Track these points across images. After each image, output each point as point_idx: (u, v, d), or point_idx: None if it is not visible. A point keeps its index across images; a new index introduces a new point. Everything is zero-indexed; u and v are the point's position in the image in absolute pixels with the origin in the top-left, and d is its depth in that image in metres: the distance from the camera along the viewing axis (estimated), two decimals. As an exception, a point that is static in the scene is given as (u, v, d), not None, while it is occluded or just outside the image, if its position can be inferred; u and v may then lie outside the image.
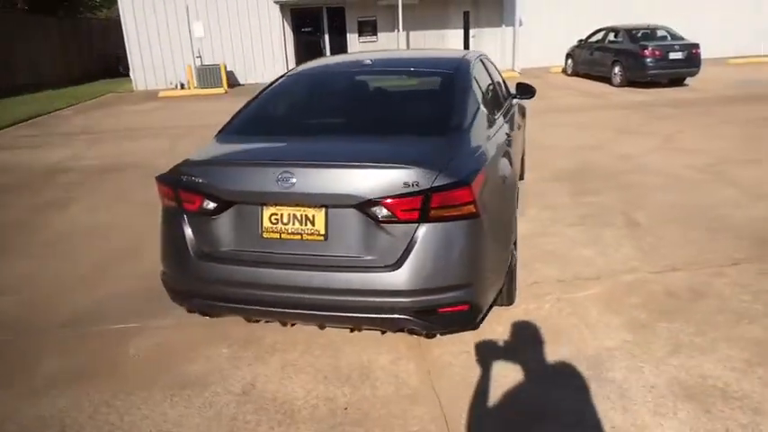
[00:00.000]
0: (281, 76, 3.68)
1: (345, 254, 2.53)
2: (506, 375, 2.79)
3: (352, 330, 3.11)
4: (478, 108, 3.19)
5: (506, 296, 3.21)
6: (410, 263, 2.44)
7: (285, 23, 19.09)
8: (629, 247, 4.28)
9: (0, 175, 7.83)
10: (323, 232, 2.54)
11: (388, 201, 2.41)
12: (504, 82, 4.69)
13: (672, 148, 7.49)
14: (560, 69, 17.51)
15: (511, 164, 3.35)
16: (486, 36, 20.03)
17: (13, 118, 12.88)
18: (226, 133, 3.18)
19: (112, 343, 3.29)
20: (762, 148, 7.29)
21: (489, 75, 4.08)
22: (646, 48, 12.96)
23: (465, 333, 3.09)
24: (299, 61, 19.57)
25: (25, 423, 2.63)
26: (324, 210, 2.53)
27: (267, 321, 3.07)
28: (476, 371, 2.84)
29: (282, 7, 18.50)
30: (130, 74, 19.23)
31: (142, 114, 13.42)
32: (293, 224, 2.57)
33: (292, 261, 2.58)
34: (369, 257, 2.50)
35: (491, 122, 3.35)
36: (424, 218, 2.43)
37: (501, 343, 3.07)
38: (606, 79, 14.39)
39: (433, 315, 2.52)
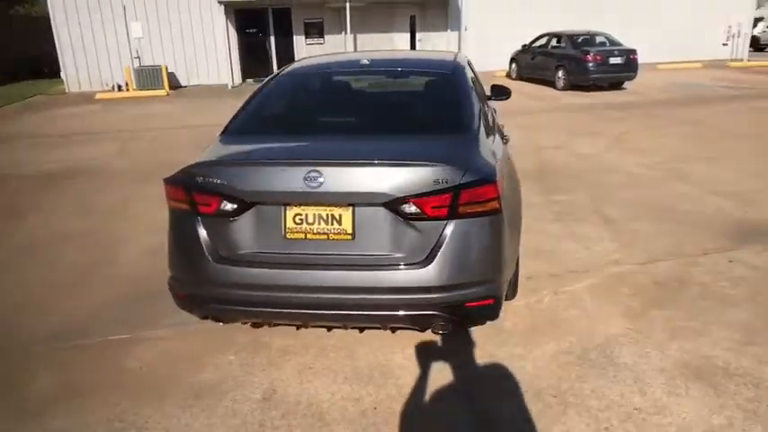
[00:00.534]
0: (277, 75, 3.61)
1: (373, 252, 2.52)
2: (524, 366, 2.86)
3: (361, 331, 3.11)
4: (480, 108, 3.27)
5: (511, 290, 3.30)
6: (440, 259, 2.47)
7: (229, 24, 18.64)
8: (609, 241, 4.49)
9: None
10: (350, 231, 2.52)
11: (419, 198, 2.43)
12: (481, 84, 4.81)
13: (624, 148, 7.90)
14: (505, 74, 18.05)
15: (510, 160, 3.44)
16: (432, 40, 20.36)
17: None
18: (231, 133, 3.09)
19: (109, 355, 3.13)
20: (705, 147, 7.81)
21: (475, 76, 4.17)
22: (588, 53, 13.59)
23: (474, 328, 3.15)
24: (243, 63, 19.19)
25: (32, 444, 2.46)
26: (351, 209, 2.51)
27: (286, 325, 3.00)
28: (493, 363, 2.90)
29: (226, 7, 18.05)
30: (62, 75, 18.19)
31: (82, 117, 12.73)
32: (319, 224, 2.54)
33: (318, 261, 2.55)
34: (397, 255, 2.51)
35: (488, 121, 3.43)
36: (452, 214, 2.46)
37: (513, 335, 3.14)
38: (550, 83, 14.97)
39: (461, 310, 2.56)
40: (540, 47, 15.98)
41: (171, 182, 2.70)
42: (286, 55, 19.64)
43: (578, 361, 2.90)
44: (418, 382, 2.76)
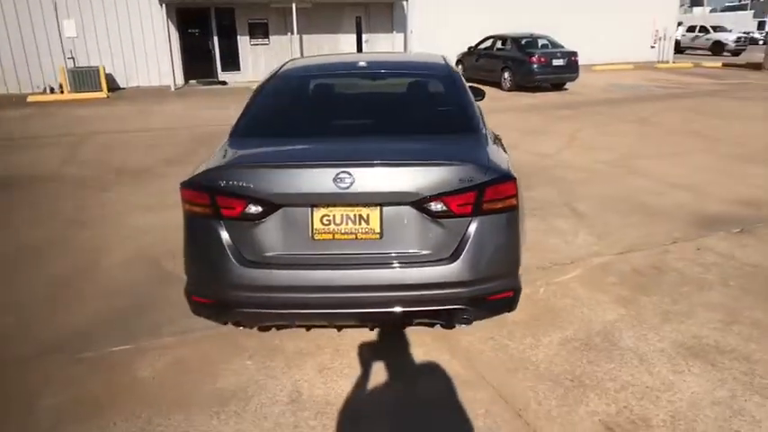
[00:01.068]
0: (275, 75, 3.58)
1: (400, 250, 2.58)
2: (537, 354, 3.01)
3: (372, 329, 3.17)
4: (478, 108, 3.39)
5: None
6: (465, 255, 2.56)
7: (170, 23, 18.05)
8: (586, 234, 4.75)
9: None
10: (378, 230, 2.57)
11: (446, 197, 2.51)
12: None
13: (580, 146, 8.31)
14: (451, 74, 18.46)
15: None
16: (378, 41, 20.52)
17: None
18: (242, 134, 3.05)
19: (116, 367, 3.02)
20: (654, 144, 8.33)
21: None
22: (533, 55, 14.14)
23: (482, 321, 3.26)
24: (186, 64, 18.62)
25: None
26: (379, 208, 2.56)
27: (310, 326, 3.01)
28: (509, 353, 3.02)
29: (167, 6, 17.48)
30: (-14, 76, 17.00)
31: (16, 122, 11.98)
32: (346, 224, 2.58)
33: (346, 261, 2.58)
34: (424, 252, 2.58)
35: (485, 121, 3.56)
36: (476, 211, 2.57)
37: (519, 326, 3.28)
38: (496, 84, 15.45)
39: (484, 303, 2.67)
40: (485, 49, 16.46)
41: (191, 186, 2.65)
42: (230, 56, 19.27)
43: (585, 347, 3.07)
44: (440, 376, 2.85)
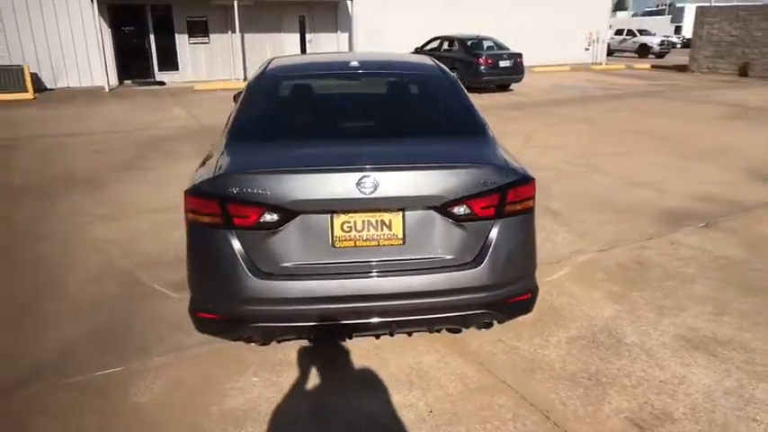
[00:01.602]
0: (263, 76, 3.40)
1: (424, 255, 2.52)
2: (548, 355, 3.02)
3: (377, 337, 3.08)
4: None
5: None
6: (489, 259, 2.53)
7: (102, 20, 17.10)
8: (565, 233, 4.85)
9: None
10: (401, 236, 2.50)
11: (470, 200, 2.47)
12: None
13: (538, 146, 8.52)
14: (397, 75, 18.54)
15: None
16: (322, 41, 20.30)
17: None
18: (242, 138, 2.85)
19: (110, 392, 2.78)
20: (606, 143, 8.67)
21: None
22: (480, 56, 14.41)
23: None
24: (120, 63, 17.70)
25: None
26: (401, 213, 2.48)
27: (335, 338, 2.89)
28: (521, 355, 3.02)
29: (99, 3, 16.54)
30: None
31: (-64, 125, 10.97)
32: (368, 231, 2.48)
33: (368, 269, 2.49)
34: (447, 257, 2.53)
35: None
36: (498, 214, 2.54)
37: (525, 327, 3.29)
38: (444, 84, 15.63)
39: (506, 306, 2.65)
40: (432, 50, 16.61)
41: (198, 194, 2.47)
42: (168, 55, 18.48)
43: (592, 344, 3.11)
44: (459, 382, 2.80)
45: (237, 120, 3.01)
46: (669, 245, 4.54)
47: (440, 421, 2.53)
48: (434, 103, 3.35)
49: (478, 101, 14.50)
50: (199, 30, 18.66)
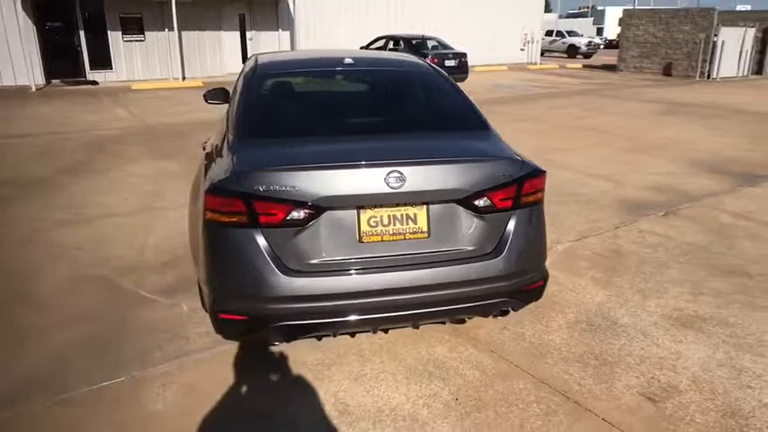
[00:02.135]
0: (255, 73, 3.33)
1: (447, 248, 2.58)
2: (553, 340, 3.16)
3: (386, 331, 3.11)
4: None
5: None
6: (508, 249, 2.63)
7: (26, 17, 16.02)
8: (540, 223, 5.04)
9: None
10: (425, 229, 2.54)
11: (491, 192, 2.55)
12: None
13: (494, 141, 8.76)
14: (341, 74, 18.51)
15: None
16: (263, 39, 19.94)
17: None
18: (252, 136, 2.80)
19: (120, 403, 2.66)
20: (555, 139, 9.05)
21: None
22: (427, 56, 14.63)
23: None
24: (47, 62, 16.64)
25: None
26: (425, 207, 2.53)
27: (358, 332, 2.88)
28: (527, 341, 3.14)
29: (22, -4, 15.48)
30: None
31: None
32: (394, 225, 2.51)
33: (394, 262, 2.52)
34: (469, 248, 2.60)
35: None
36: (515, 205, 2.64)
37: (525, 314, 3.41)
38: (390, 83, 15.77)
39: (523, 293, 2.75)
40: (377, 49, 16.70)
41: (221, 192, 2.41)
42: (101, 53, 17.56)
43: (591, 327, 3.28)
44: (477, 370, 2.88)
45: (243, 116, 2.95)
46: (637, 233, 4.83)
47: (467, 408, 2.59)
48: (435, 99, 3.41)
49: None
50: (133, 27, 17.84)
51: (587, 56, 32.26)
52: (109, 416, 2.56)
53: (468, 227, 2.59)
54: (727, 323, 3.32)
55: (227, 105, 5.29)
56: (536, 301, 2.93)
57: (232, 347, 3.08)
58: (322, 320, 2.50)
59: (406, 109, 3.37)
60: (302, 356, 3.01)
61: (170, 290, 3.81)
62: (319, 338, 2.96)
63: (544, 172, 2.76)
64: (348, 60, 3.54)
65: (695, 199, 5.79)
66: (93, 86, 16.43)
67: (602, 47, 39.50)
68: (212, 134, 4.06)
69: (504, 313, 2.85)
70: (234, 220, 2.42)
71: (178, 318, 3.44)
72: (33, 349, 3.09)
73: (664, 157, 7.68)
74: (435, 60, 14.64)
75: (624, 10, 22.88)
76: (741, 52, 20.47)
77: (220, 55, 19.40)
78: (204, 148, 3.49)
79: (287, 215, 2.39)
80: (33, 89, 15.20)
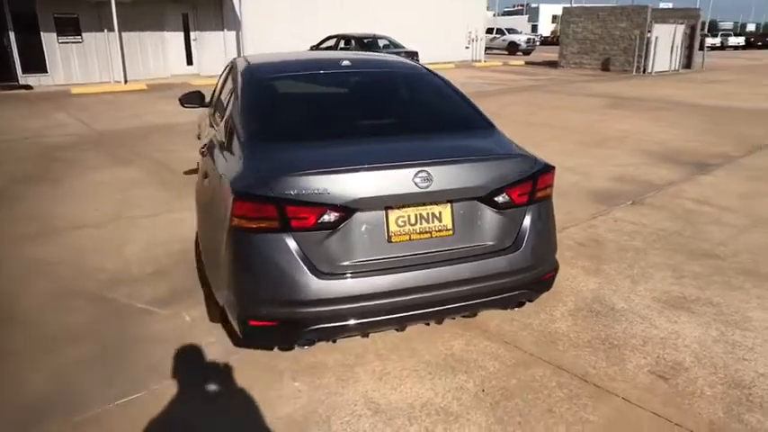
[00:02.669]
0: (253, 76, 3.29)
1: (471, 244, 2.65)
2: (559, 327, 3.30)
3: (400, 329, 3.15)
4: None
5: None
6: (526, 242, 2.73)
7: (-50, 17, 14.99)
8: (520, 217, 5.21)
9: None
10: (450, 227, 2.60)
11: (509, 188, 2.65)
12: None
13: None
14: (292, 74, 18.32)
15: None
16: (208, 39, 19.45)
17: None
18: (265, 139, 2.78)
19: (145, 418, 2.58)
20: (516, 135, 9.26)
21: None
22: (380, 54, 14.72)
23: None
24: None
25: None
26: (449, 205, 2.59)
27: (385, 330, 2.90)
28: (537, 330, 3.26)
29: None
30: None
31: None
32: (420, 224, 2.56)
33: (422, 261, 2.57)
34: (490, 243, 2.68)
35: None
36: (530, 200, 2.75)
37: (529, 306, 3.53)
38: (343, 83, 15.76)
39: (538, 284, 2.87)
40: (328, 48, 16.64)
41: (251, 198, 2.38)
42: (34, 56, 16.64)
43: (591, 314, 3.45)
44: (496, 361, 2.97)
45: (254, 119, 2.93)
46: (613, 222, 5.08)
47: (495, 397, 2.68)
48: (437, 99, 3.47)
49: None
50: (69, 28, 17.00)
51: (527, 52, 33.31)
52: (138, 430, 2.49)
53: (489, 223, 2.67)
54: (711, 302, 3.57)
55: (203, 108, 5.20)
56: (548, 290, 3.05)
57: (246, 355, 3.04)
58: (354, 322, 2.51)
59: (413, 110, 3.43)
60: (322, 359, 3.01)
61: (166, 300, 3.70)
62: (335, 340, 2.98)
63: (554, 167, 2.88)
64: (346, 63, 3.55)
65: (658, 188, 6.14)
66: (26, 91, 15.54)
67: (538, 43, 40.92)
68: (204, 138, 3.97)
69: (521, 304, 2.96)
70: (264, 225, 2.40)
71: (182, 328, 3.36)
72: (33, 371, 2.94)
73: (621, 149, 8.07)
74: (388, 59, 14.74)
75: (564, 7, 23.80)
76: (672, 48, 21.74)
77: (164, 56, 18.80)
78: (203, 154, 3.42)
79: (319, 218, 2.39)
80: (-40, 95, 14.25)
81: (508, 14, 70.55)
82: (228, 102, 3.43)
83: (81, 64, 17.32)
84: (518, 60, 26.29)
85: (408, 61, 3.84)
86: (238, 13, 18.87)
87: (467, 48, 24.62)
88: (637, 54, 20.93)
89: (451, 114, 3.32)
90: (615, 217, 5.20)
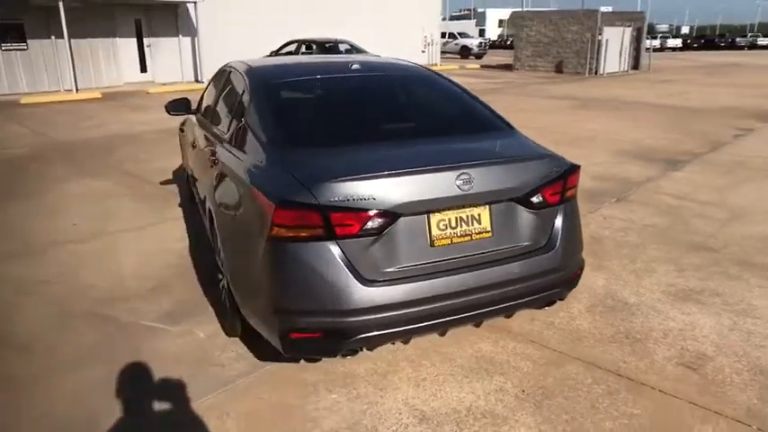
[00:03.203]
0: (264, 80, 3.21)
1: (509, 245, 2.66)
2: (581, 324, 3.35)
3: (440, 335, 3.10)
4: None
5: None
6: (560, 241, 2.77)
7: None
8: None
9: None
10: (489, 228, 2.60)
11: (542, 188, 2.68)
12: None
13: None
14: (252, 80, 18.02)
15: None
16: (163, 45, 18.90)
17: None
18: (293, 145, 2.72)
19: (181, 441, 2.46)
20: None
21: None
22: (344, 59, 14.66)
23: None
24: None
25: None
26: (488, 207, 2.59)
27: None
28: (560, 328, 3.30)
29: None
30: None
31: None
32: (461, 227, 2.55)
33: (463, 263, 2.56)
34: (526, 243, 2.70)
35: None
36: (561, 200, 2.78)
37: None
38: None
39: (569, 282, 2.91)
40: (288, 53, 16.46)
41: (294, 206, 2.31)
42: (-26, 63, 15.75)
43: (608, 309, 3.52)
44: (529, 361, 2.98)
45: (274, 125, 2.86)
46: (602, 219, 5.21)
47: (537, 397, 2.69)
48: (453, 102, 3.47)
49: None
50: (13, 34, 16.17)
51: (479, 56, 33.94)
52: (176, 457, 2.36)
53: (525, 223, 2.69)
54: (717, 293, 3.71)
55: (187, 115, 5.04)
56: (574, 287, 3.09)
57: (273, 369, 2.95)
58: (399, 329, 2.48)
59: (434, 112, 3.42)
60: (352, 369, 2.95)
61: (173, 317, 3.55)
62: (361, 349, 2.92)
63: (579, 166, 2.92)
64: (356, 66, 3.51)
65: (637, 185, 6.35)
66: (-31, 102, 14.68)
67: (487, 47, 41.81)
68: (203, 148, 3.84)
69: (552, 303, 2.99)
70: (306, 234, 2.33)
71: (198, 345, 3.23)
72: (53, 398, 2.76)
73: (594, 149, 8.32)
74: (352, 64, 14.70)
75: (512, 12, 24.45)
76: (621, 50, 22.64)
77: (116, 64, 18.14)
78: (212, 164, 3.30)
79: (364, 225, 2.34)
80: None
81: (456, 19, 71.81)
82: (237, 108, 3.32)
83: (27, 72, 16.50)
84: (473, 64, 26.75)
85: (411, 63, 3.82)
86: (194, 19, 18.42)
87: (423, 52, 24.87)
88: (589, 56, 21.68)
89: (471, 116, 3.32)
90: (603, 214, 5.34)
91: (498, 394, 2.73)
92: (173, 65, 19.06)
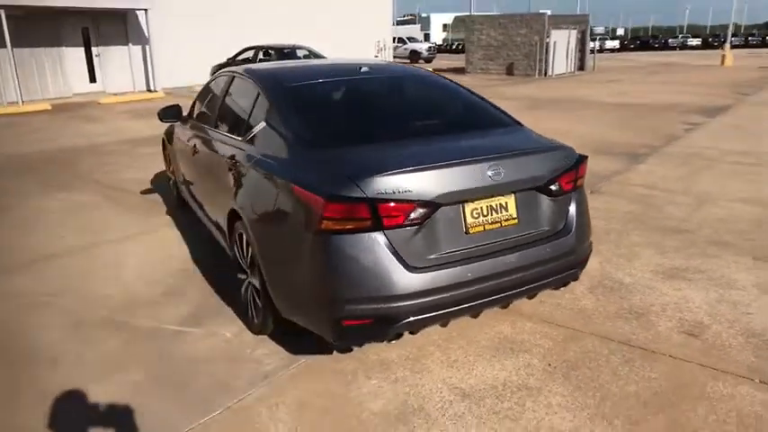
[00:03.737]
0: (280, 82, 3.35)
1: (533, 230, 2.88)
2: (586, 304, 3.62)
3: (473, 317, 3.26)
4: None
5: None
6: (575, 226, 3.02)
7: None
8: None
9: None
10: (515, 215, 2.82)
11: (560, 177, 2.92)
12: None
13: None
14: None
15: None
16: (113, 54, 18.38)
17: None
18: (327, 145, 2.88)
19: (239, 429, 2.54)
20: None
21: None
22: (305, 65, 14.71)
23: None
24: None
25: None
26: (513, 195, 2.81)
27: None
28: (567, 308, 3.56)
29: None
30: None
31: None
32: (491, 215, 2.75)
33: (495, 249, 2.76)
34: (546, 228, 2.94)
35: None
36: (574, 187, 3.04)
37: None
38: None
39: (582, 264, 3.16)
40: (246, 60, 16.35)
41: (344, 200, 2.45)
42: None
43: (607, 289, 3.81)
44: (546, 338, 3.22)
45: (303, 125, 3.02)
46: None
47: (563, 369, 2.92)
48: (463, 100, 3.69)
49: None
50: (-49, 45, 15.36)
51: (428, 60, 34.59)
52: (239, 447, 2.45)
53: (545, 210, 2.92)
54: (700, 270, 4.07)
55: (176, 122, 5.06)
56: (584, 269, 3.35)
57: (308, 362, 3.06)
58: (441, 312, 2.65)
59: (450, 110, 3.63)
60: (384, 356, 3.10)
61: (195, 319, 3.60)
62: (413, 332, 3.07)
63: (587, 157, 3.18)
64: (366, 68, 3.69)
65: (606, 177, 6.77)
66: None
67: (436, 51, 42.62)
68: (211, 151, 3.89)
69: (567, 284, 3.23)
70: (354, 226, 2.48)
71: (227, 345, 3.30)
72: (83, 406, 2.77)
73: (560, 145, 8.73)
74: (313, 69, 14.78)
75: (456, 17, 25.24)
76: (568, 52, 23.64)
77: (63, 74, 17.52)
78: (235, 164, 3.38)
79: (408, 215, 2.51)
80: None
81: (401, 24, 72.72)
82: (254, 111, 3.42)
83: (-32, 84, 15.71)
84: (425, 68, 27.32)
85: (412, 66, 4.03)
86: (144, 27, 18.03)
87: (376, 56, 25.18)
88: (538, 58, 22.54)
89: (482, 113, 3.55)
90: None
91: (528, 369, 2.94)
92: (124, 74, 18.58)
